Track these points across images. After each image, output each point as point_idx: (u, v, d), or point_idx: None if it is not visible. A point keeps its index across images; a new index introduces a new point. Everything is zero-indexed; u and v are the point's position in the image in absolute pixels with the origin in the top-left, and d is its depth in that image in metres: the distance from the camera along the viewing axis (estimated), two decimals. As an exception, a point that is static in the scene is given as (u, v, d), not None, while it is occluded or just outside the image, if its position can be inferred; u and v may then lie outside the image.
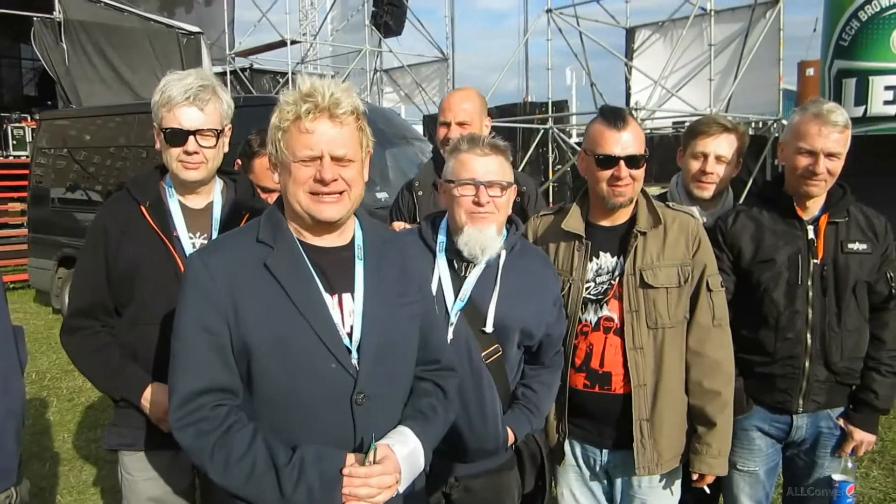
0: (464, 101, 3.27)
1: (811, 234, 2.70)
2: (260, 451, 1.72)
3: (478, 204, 2.27)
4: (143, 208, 2.44)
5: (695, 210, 2.76)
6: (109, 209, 2.54)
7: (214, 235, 2.50)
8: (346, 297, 1.87)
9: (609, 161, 2.45)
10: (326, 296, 1.84)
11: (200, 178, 2.46)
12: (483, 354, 2.32)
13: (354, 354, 1.83)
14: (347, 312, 1.86)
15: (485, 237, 2.28)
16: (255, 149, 3.12)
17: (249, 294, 1.78)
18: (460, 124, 3.18)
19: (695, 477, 2.59)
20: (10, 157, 14.86)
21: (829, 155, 2.61)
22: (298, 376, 1.78)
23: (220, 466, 1.71)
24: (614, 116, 2.48)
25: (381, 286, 1.90)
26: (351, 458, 1.74)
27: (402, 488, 1.81)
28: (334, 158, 1.79)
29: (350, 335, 1.84)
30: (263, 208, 2.66)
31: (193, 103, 2.38)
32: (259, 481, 1.70)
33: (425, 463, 1.90)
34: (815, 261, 2.68)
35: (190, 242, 2.46)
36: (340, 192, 1.81)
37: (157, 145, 2.46)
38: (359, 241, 1.94)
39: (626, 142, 2.44)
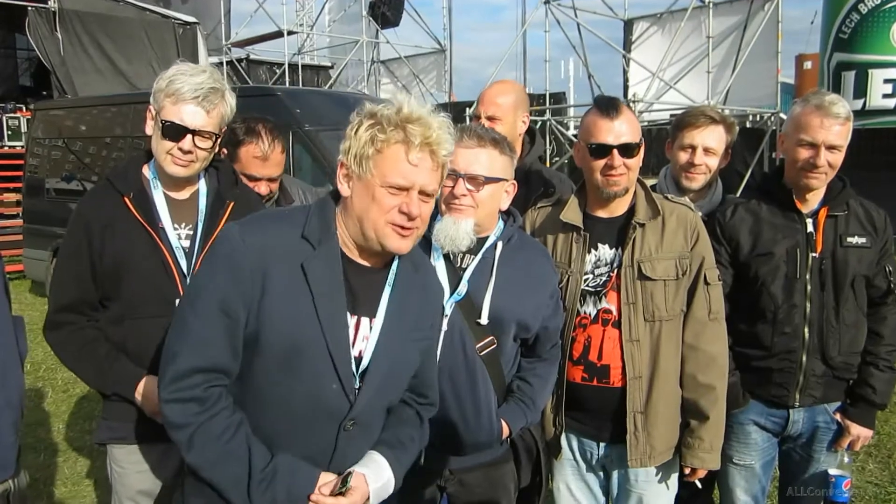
0: (499, 95, 3.16)
1: (810, 228, 2.68)
2: (239, 446, 1.71)
3: (453, 196, 2.25)
4: (126, 200, 2.39)
5: (687, 201, 2.74)
6: (91, 202, 2.48)
7: (200, 226, 2.47)
8: (365, 321, 1.84)
9: (602, 150, 2.43)
10: (348, 315, 1.81)
11: (186, 175, 2.42)
12: (477, 346, 2.30)
13: (357, 381, 1.81)
14: (361, 337, 1.84)
15: (457, 229, 2.23)
16: (240, 137, 3.07)
17: (278, 289, 1.73)
18: (490, 118, 3.08)
19: (687, 471, 2.58)
20: (6, 148, 14.78)
21: (831, 147, 2.58)
22: (298, 386, 1.76)
23: (198, 449, 1.71)
24: (607, 106, 2.46)
25: (401, 317, 1.87)
26: (324, 477, 1.75)
27: None
28: (422, 193, 1.76)
29: (358, 360, 1.81)
30: (248, 196, 2.65)
31: (200, 104, 2.33)
32: (230, 475, 1.70)
33: (395, 488, 1.91)
34: (814, 254, 2.67)
35: (175, 234, 2.43)
36: (418, 228, 1.80)
37: (148, 129, 2.41)
38: (394, 266, 1.91)
39: (619, 130, 2.42)
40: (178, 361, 1.73)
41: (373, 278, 1.86)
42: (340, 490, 1.74)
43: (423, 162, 1.74)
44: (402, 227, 1.76)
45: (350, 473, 1.78)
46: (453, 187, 2.24)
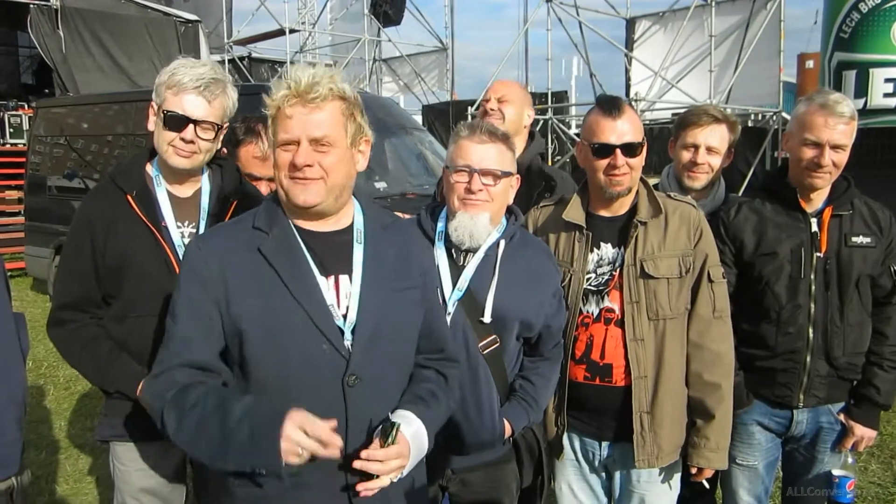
0: (507, 84, 3.29)
1: (814, 227, 2.67)
2: (211, 398, 1.73)
3: (470, 191, 2.25)
4: (129, 198, 2.39)
5: (690, 199, 2.73)
6: (94, 200, 2.49)
7: (202, 224, 2.46)
8: (343, 278, 1.87)
9: (605, 150, 2.42)
10: (321, 278, 1.84)
11: (189, 167, 2.41)
12: (480, 345, 2.29)
13: (348, 336, 1.82)
14: (344, 294, 1.86)
15: (475, 224, 2.26)
16: (240, 136, 3.07)
17: (242, 278, 1.79)
18: (500, 100, 3.15)
19: (693, 471, 2.57)
20: (7, 146, 14.77)
21: (835, 147, 2.57)
22: (291, 358, 1.78)
23: (173, 421, 1.73)
24: (610, 105, 2.46)
25: (379, 269, 1.90)
26: (303, 416, 1.69)
27: (406, 470, 1.81)
28: (313, 141, 1.78)
29: (346, 317, 1.83)
30: (252, 194, 2.65)
31: (202, 93, 2.34)
32: (206, 419, 1.70)
33: (428, 447, 1.90)
34: (818, 254, 2.65)
35: (178, 232, 2.42)
36: (318, 178, 1.80)
37: (150, 125, 2.41)
38: (359, 226, 1.94)
39: (622, 130, 2.41)
40: (162, 363, 1.82)
41: (336, 239, 1.91)
42: (388, 441, 1.74)
43: (298, 110, 1.77)
44: (297, 179, 1.79)
45: (390, 422, 1.78)
46: (469, 183, 2.24)
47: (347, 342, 1.82)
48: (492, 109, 3.14)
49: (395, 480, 1.79)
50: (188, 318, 1.80)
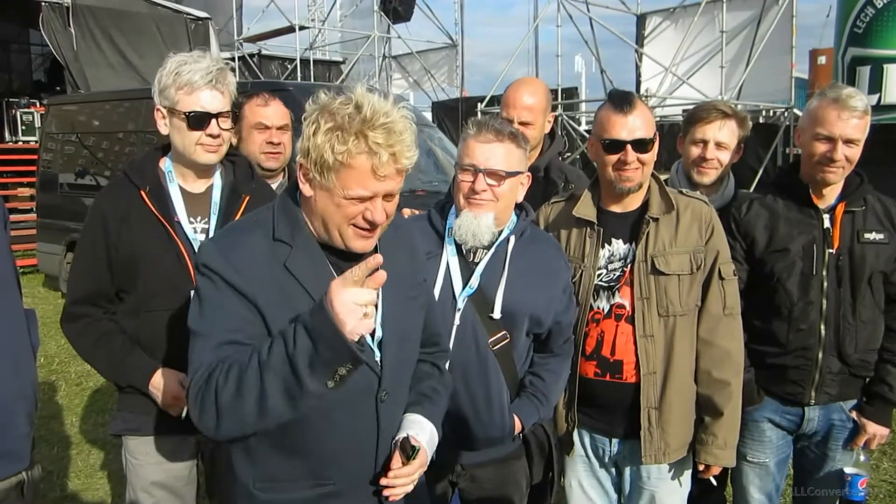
0: (529, 97, 3.05)
1: (827, 223, 2.65)
2: (255, 353, 1.60)
3: (474, 191, 2.24)
4: (143, 193, 2.41)
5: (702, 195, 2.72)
6: (108, 195, 2.50)
7: (214, 220, 2.48)
8: None
9: (616, 146, 2.41)
10: None
11: (217, 160, 2.47)
12: (490, 341, 2.29)
13: (377, 352, 1.81)
14: None
15: (478, 224, 2.25)
16: (239, 100, 3.07)
17: (272, 294, 1.70)
18: (522, 124, 2.95)
19: (701, 468, 2.56)
20: (20, 143, 14.88)
21: (848, 141, 2.55)
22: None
23: (229, 393, 1.58)
24: (621, 100, 2.44)
25: (395, 281, 1.84)
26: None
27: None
28: (386, 196, 1.71)
29: (372, 333, 1.79)
30: (263, 191, 2.65)
31: (215, 87, 2.37)
32: (270, 367, 1.56)
33: (438, 437, 1.95)
34: (831, 250, 2.63)
35: (191, 227, 2.44)
36: (381, 228, 1.77)
37: (163, 129, 2.42)
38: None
39: (633, 126, 2.40)
40: (198, 365, 1.67)
41: (357, 254, 1.84)
42: (411, 457, 1.79)
43: (386, 172, 1.66)
44: (366, 230, 1.73)
45: (410, 444, 1.80)
46: (473, 182, 2.24)
47: (378, 358, 1.81)
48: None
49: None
50: (220, 318, 1.68)
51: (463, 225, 2.26)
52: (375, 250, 1.82)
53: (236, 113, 2.50)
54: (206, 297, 1.71)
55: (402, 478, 1.78)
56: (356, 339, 1.52)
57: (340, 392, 1.59)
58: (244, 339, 1.66)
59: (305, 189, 1.74)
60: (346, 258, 1.78)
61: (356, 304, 1.51)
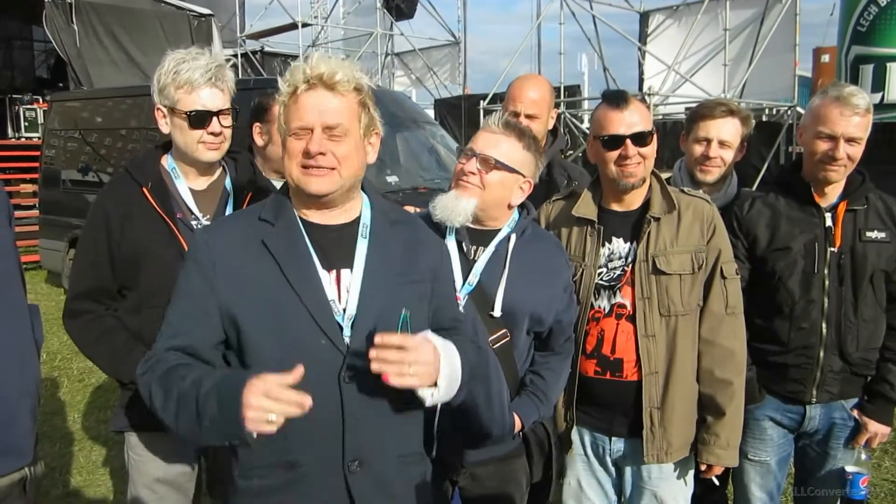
0: (533, 91, 3.08)
1: (829, 222, 2.65)
2: (191, 375, 1.72)
3: (462, 172, 2.26)
4: (145, 190, 2.42)
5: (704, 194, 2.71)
6: (110, 192, 2.52)
7: (218, 215, 2.48)
8: (345, 272, 1.85)
9: (615, 141, 2.41)
10: (323, 272, 1.83)
11: (219, 157, 2.48)
12: (490, 339, 2.29)
13: (348, 331, 1.81)
14: (345, 288, 1.84)
15: (456, 203, 2.24)
16: (266, 103, 3.11)
17: (245, 271, 1.79)
18: (529, 117, 2.99)
19: (703, 468, 2.56)
20: (22, 139, 14.92)
21: (850, 140, 2.55)
22: (289, 352, 1.76)
23: (160, 399, 1.74)
24: (616, 97, 2.46)
25: (383, 264, 1.87)
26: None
27: (440, 392, 1.75)
28: (326, 129, 1.76)
29: (346, 311, 1.82)
30: (266, 187, 2.66)
31: (215, 84, 2.38)
32: (185, 395, 1.69)
33: (462, 377, 1.84)
34: (832, 249, 2.63)
35: (194, 224, 2.44)
36: (331, 168, 1.79)
37: (164, 128, 2.43)
38: (365, 220, 1.92)
39: (630, 120, 2.41)
40: (154, 347, 1.84)
41: (341, 232, 1.89)
42: (400, 329, 1.72)
43: (314, 97, 1.75)
44: (310, 168, 1.77)
45: (406, 315, 1.76)
46: (465, 164, 2.25)
47: (346, 338, 1.80)
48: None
49: (429, 398, 1.75)
50: (184, 306, 1.82)
51: (441, 202, 2.26)
52: (370, 239, 1.88)
53: (237, 110, 2.49)
54: (178, 287, 1.86)
55: (391, 350, 1.65)
56: (252, 432, 1.59)
57: (307, 369, 1.64)
58: (190, 347, 1.80)
59: (278, 151, 1.87)
60: (328, 233, 1.86)
61: (263, 410, 1.57)
